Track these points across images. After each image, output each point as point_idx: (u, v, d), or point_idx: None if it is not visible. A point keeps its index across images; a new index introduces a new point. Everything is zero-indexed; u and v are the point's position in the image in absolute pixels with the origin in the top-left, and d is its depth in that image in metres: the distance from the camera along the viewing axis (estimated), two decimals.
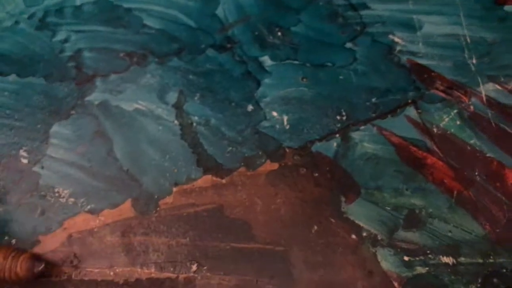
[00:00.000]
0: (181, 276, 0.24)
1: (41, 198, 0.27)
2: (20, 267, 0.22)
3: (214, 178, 0.27)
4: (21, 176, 0.28)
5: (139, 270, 0.25)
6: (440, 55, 0.30)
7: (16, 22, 0.31)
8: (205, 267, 0.25)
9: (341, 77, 0.30)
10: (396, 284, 0.24)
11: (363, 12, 0.31)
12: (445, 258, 0.24)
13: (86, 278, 0.25)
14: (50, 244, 0.26)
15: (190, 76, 0.31)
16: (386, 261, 0.24)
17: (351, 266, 0.24)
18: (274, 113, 0.29)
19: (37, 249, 0.26)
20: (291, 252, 0.25)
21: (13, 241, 0.26)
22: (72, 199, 0.27)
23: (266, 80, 0.30)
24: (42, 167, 0.28)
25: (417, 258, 0.24)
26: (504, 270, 0.24)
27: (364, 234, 0.25)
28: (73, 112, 0.30)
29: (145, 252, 0.25)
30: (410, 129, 0.28)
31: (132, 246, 0.25)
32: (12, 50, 0.32)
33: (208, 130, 0.29)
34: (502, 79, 0.29)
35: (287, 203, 0.26)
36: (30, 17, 0.31)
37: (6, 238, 0.26)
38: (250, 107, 0.29)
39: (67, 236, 0.26)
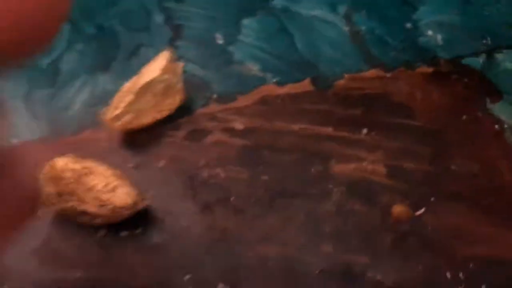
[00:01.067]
0: (353, 138, 0.30)
1: (235, 69, 0.34)
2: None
3: (379, 72, 0.33)
4: (218, 52, 0.35)
5: (315, 128, 0.31)
6: None
7: None
8: (373, 132, 0.30)
9: (486, 13, 0.35)
10: None
11: None
12: None
13: (274, 128, 0.31)
14: (245, 102, 0.32)
15: None
16: None
17: (495, 149, 0.29)
18: (429, 32, 0.35)
19: (234, 104, 0.32)
20: (445, 132, 0.30)
21: (214, 95, 0.32)
22: (261, 73, 0.33)
23: (422, 7, 0.36)
24: (235, 47, 0.35)
25: None
26: None
27: (505, 126, 0.30)
28: (258, 11, 0.36)
29: (321, 119, 0.31)
30: None
31: (311, 110, 0.31)
32: None
33: (373, 37, 0.35)
34: None
35: (441, 97, 0.31)
36: None
37: (208, 93, 0.33)
38: (408, 25, 0.35)
39: (259, 98, 0.32)
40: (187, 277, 0.26)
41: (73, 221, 0.28)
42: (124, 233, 0.28)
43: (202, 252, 0.27)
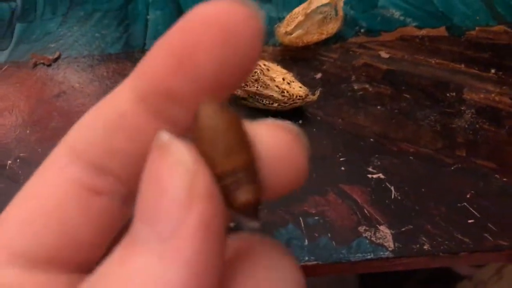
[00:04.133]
0: (482, 75, 0.36)
1: (380, 12, 0.40)
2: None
3: (506, 28, 0.38)
4: None
5: (450, 64, 0.36)
6: None
7: None
8: (500, 72, 0.36)
9: None
10: None
11: None
12: None
13: (415, 59, 0.36)
14: (388, 38, 0.38)
15: None
16: None
17: None
18: None
19: (379, 38, 0.38)
20: None
21: (362, 30, 0.39)
22: (402, 17, 0.39)
23: None
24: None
25: None
26: None
27: None
28: None
29: (455, 57, 0.37)
30: None
31: (445, 50, 0.37)
32: None
33: (500, 1, 0.40)
34: None
35: None
36: None
37: (357, 28, 0.39)
38: None
39: (400, 36, 0.38)
40: (341, 159, 0.32)
41: (246, 106, 0.34)
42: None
43: (350, 142, 0.33)
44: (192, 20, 0.10)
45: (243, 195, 0.11)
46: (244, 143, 0.11)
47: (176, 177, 0.10)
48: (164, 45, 0.11)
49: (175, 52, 0.10)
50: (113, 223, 0.12)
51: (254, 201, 0.11)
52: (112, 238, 0.12)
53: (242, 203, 0.11)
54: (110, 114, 0.11)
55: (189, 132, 0.11)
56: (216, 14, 0.10)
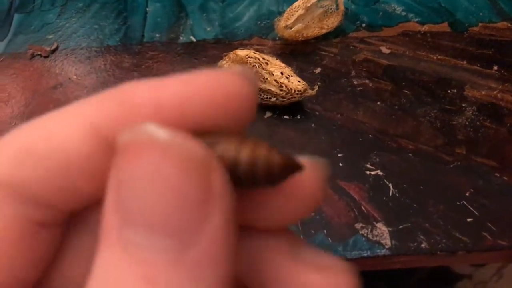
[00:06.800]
0: (484, 71, 0.35)
1: (381, 7, 0.39)
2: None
3: (510, 25, 0.38)
4: None
5: (451, 60, 0.36)
6: None
7: None
8: (503, 69, 0.35)
9: None
10: None
11: None
12: None
13: (416, 55, 0.36)
14: (389, 33, 0.38)
15: None
16: None
17: None
18: None
19: (380, 33, 0.37)
20: None
21: (363, 24, 0.38)
22: (404, 12, 0.39)
23: None
24: None
25: None
26: None
27: None
28: None
29: (457, 53, 0.36)
30: None
31: (447, 46, 0.36)
32: None
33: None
34: None
35: None
36: None
37: (358, 23, 0.38)
38: None
39: (402, 31, 0.38)
40: (339, 155, 0.32)
41: None
42: (286, 117, 0.34)
43: (348, 138, 0.32)
44: (194, 90, 0.10)
45: (279, 158, 0.11)
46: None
47: (191, 176, 0.09)
48: (166, 102, 0.10)
49: (174, 117, 0.10)
50: (52, 249, 0.12)
51: (289, 156, 0.11)
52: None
53: (282, 163, 0.11)
54: (72, 156, 0.11)
55: None
56: (222, 88, 0.11)
